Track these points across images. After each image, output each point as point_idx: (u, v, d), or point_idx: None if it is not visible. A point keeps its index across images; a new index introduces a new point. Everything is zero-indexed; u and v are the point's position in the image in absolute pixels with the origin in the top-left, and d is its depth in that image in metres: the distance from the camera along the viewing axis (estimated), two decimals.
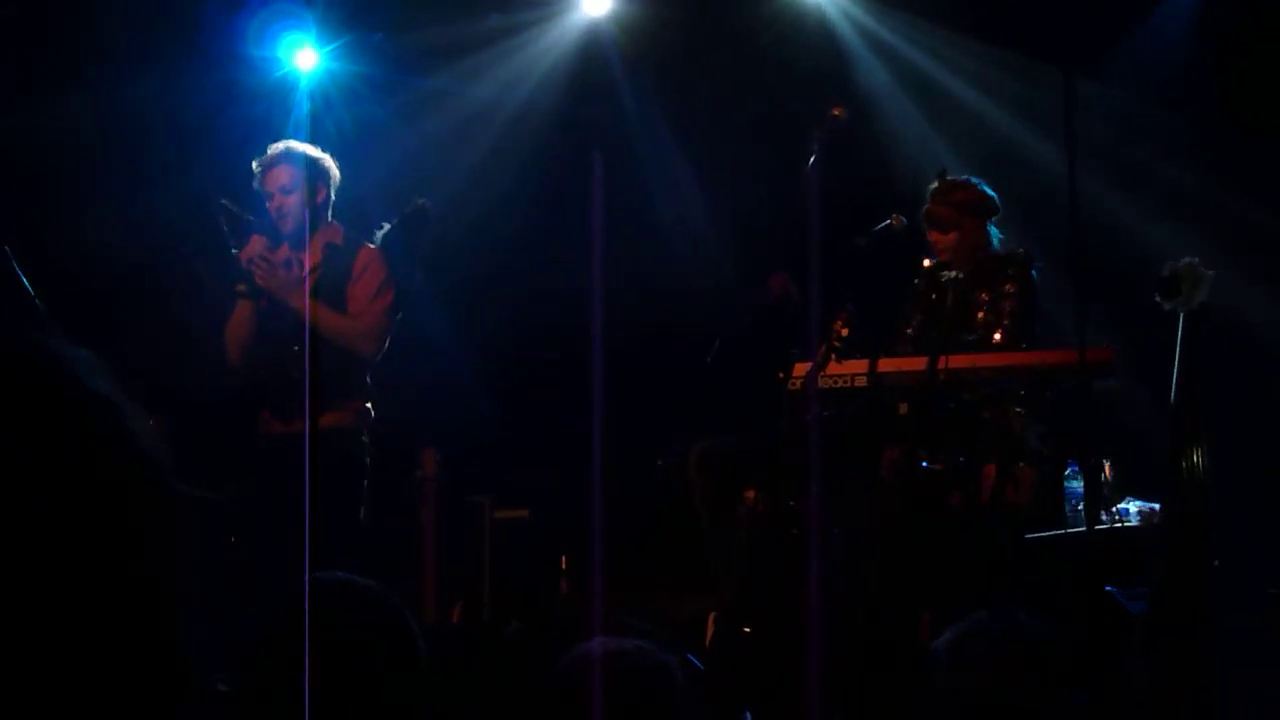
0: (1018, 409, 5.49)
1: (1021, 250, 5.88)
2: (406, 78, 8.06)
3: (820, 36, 7.86)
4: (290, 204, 5.71)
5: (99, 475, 0.95)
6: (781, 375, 5.60)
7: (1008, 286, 5.73)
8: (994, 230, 5.93)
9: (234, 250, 5.80)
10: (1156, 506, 5.98)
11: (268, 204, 5.74)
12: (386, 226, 6.13)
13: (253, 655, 1.78)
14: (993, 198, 5.94)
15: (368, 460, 5.80)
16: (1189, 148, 7.21)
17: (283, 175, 5.71)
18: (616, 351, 7.09)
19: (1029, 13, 7.15)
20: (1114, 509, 6.11)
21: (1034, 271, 5.80)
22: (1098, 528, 5.51)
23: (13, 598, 0.89)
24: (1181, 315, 5.93)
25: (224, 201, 5.77)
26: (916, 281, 5.99)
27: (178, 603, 0.99)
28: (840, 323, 5.41)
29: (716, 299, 7.53)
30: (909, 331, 5.89)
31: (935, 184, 5.92)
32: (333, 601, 1.72)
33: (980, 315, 5.72)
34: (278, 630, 1.72)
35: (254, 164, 5.76)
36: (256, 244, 5.69)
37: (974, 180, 5.98)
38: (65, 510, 0.92)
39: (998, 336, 5.62)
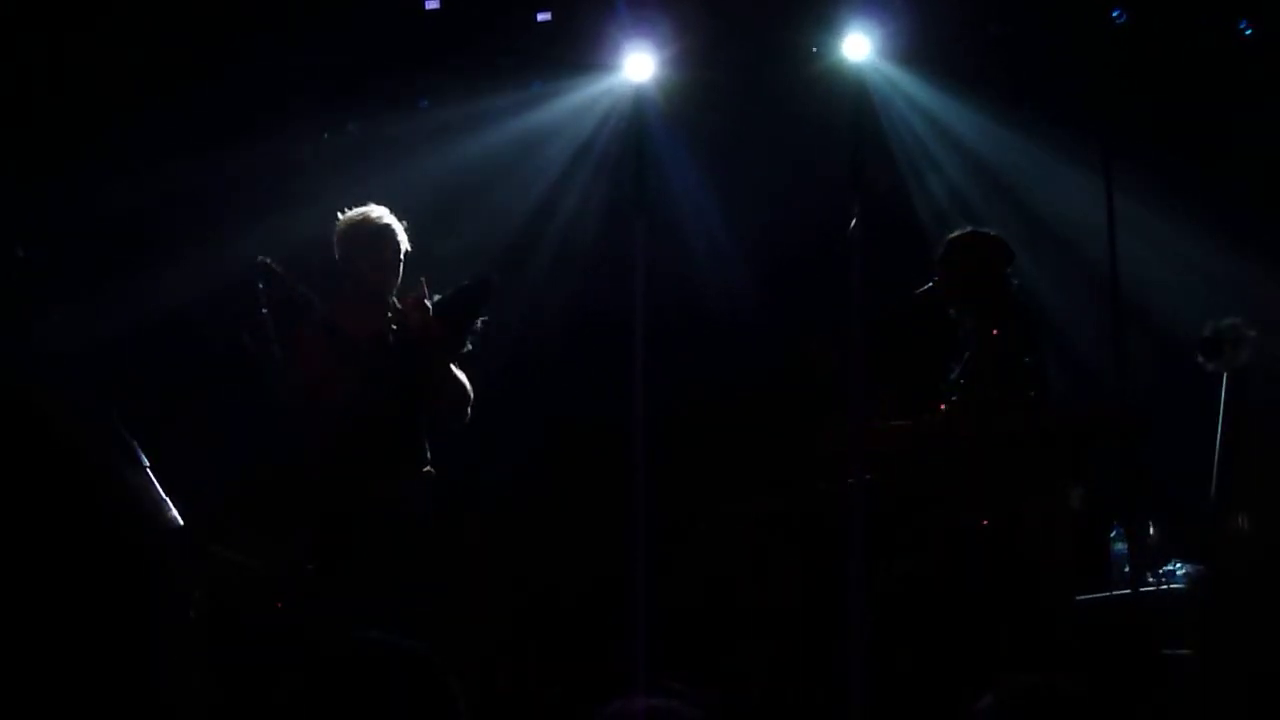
0: (1058, 469, 5.45)
1: (1016, 282, 5.78)
2: (446, 144, 8.14)
3: (859, 100, 7.90)
4: (390, 276, 5.77)
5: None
6: (824, 439, 5.60)
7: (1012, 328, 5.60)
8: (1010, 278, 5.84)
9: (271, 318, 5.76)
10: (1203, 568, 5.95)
11: (371, 273, 5.74)
12: (437, 298, 6.12)
13: (293, 710, 1.81)
14: (1009, 249, 5.84)
15: (427, 525, 5.76)
16: (1230, 209, 7.21)
17: (389, 248, 5.77)
18: (658, 416, 7.13)
19: (1067, 80, 7.17)
20: (1160, 570, 6.08)
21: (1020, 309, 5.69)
22: (1143, 589, 5.48)
23: None
24: (1224, 376, 5.92)
25: (265, 260, 5.64)
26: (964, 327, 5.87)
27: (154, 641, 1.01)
28: (882, 385, 5.41)
29: (758, 361, 7.55)
30: (960, 379, 5.73)
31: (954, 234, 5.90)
32: (377, 662, 1.75)
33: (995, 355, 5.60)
34: (319, 686, 1.76)
35: (346, 230, 5.77)
36: (421, 293, 5.70)
37: (991, 232, 5.92)
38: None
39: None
